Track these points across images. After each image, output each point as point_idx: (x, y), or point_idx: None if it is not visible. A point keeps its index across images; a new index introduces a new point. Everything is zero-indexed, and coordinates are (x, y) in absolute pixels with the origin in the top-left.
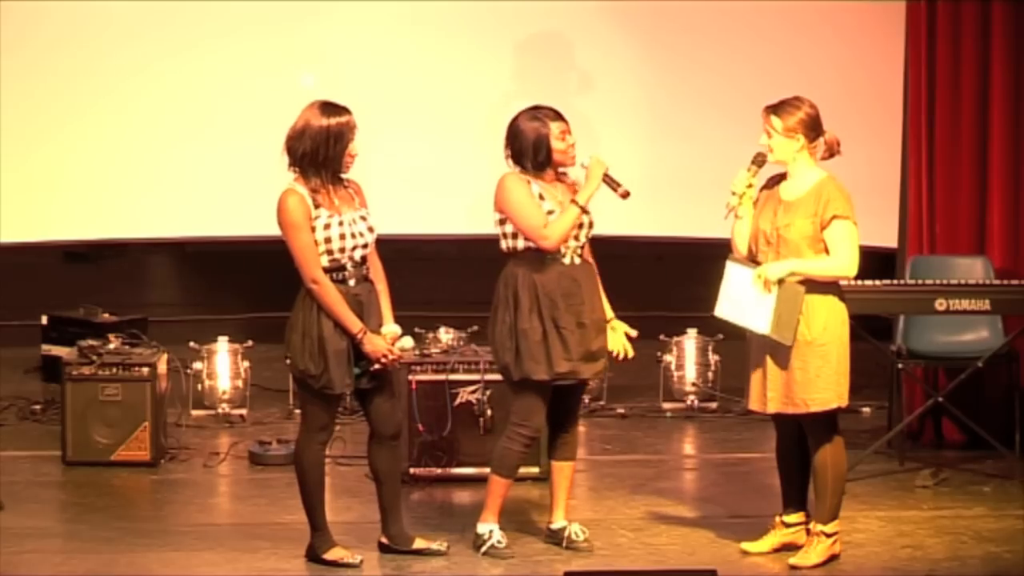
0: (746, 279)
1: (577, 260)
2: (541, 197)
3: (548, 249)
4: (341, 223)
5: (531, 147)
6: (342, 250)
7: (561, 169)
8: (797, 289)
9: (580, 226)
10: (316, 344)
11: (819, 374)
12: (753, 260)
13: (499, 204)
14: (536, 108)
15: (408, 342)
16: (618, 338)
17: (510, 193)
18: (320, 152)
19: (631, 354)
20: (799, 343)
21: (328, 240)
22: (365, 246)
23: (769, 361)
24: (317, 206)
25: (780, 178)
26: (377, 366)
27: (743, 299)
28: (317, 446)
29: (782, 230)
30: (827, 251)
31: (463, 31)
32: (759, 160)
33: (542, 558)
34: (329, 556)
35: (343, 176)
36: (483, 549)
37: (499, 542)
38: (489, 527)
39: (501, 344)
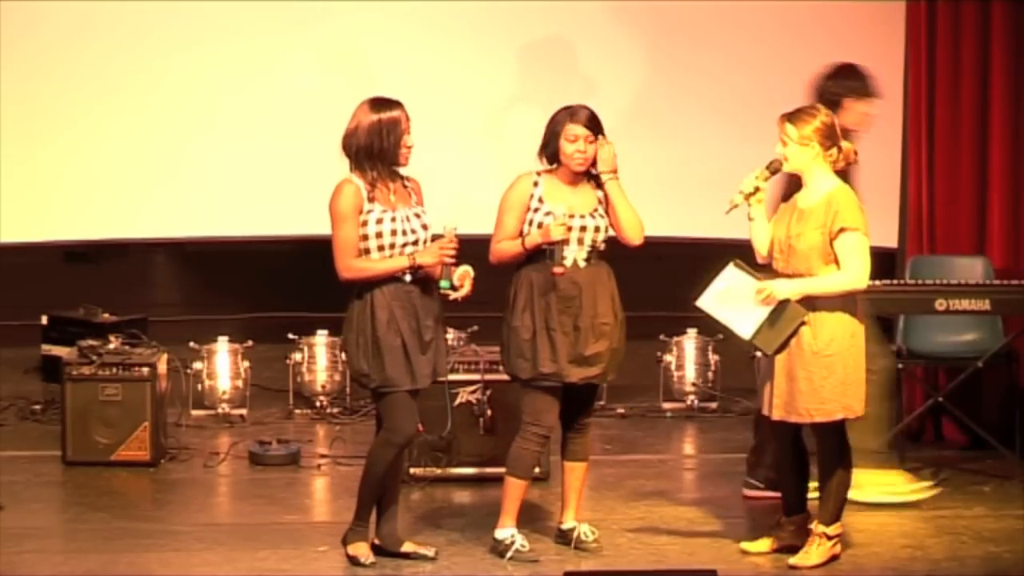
0: (747, 287)
1: (583, 263)
2: (540, 200)
3: (491, 262)
4: (394, 219)
5: (545, 137)
6: (392, 246)
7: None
8: (799, 311)
9: (583, 229)
10: (371, 344)
11: (823, 385)
12: (770, 266)
13: None
14: (578, 105)
15: (452, 224)
16: None
17: (504, 195)
18: (375, 145)
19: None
20: (805, 353)
21: (379, 235)
22: (416, 243)
23: (779, 369)
24: (372, 200)
25: (799, 186)
26: (452, 275)
27: (736, 303)
28: (386, 446)
29: (793, 240)
30: (837, 261)
31: (466, 33)
32: (774, 167)
33: (543, 558)
34: (350, 550)
35: (404, 174)
36: (508, 555)
37: (523, 546)
38: (509, 532)
39: (502, 341)
